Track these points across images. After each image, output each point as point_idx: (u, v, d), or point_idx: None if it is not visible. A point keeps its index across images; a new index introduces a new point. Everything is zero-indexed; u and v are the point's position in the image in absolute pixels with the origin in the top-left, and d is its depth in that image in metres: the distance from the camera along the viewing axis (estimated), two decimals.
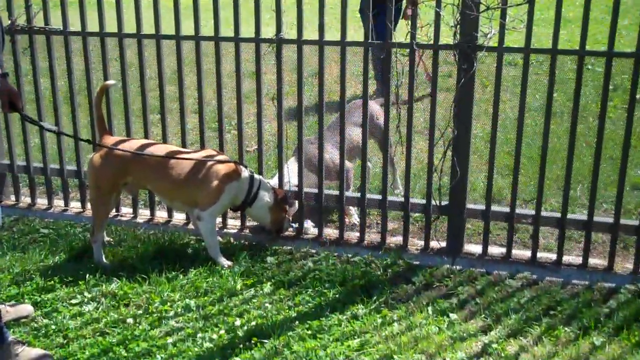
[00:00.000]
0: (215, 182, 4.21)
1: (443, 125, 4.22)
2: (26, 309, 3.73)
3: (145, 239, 4.60)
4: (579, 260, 4.34)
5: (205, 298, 3.90)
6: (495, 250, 4.51)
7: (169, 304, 3.82)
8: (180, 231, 4.71)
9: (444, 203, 4.46)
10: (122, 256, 4.38)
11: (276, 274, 4.17)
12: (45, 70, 5.00)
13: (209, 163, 4.25)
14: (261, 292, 3.98)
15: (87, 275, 4.08)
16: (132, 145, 4.26)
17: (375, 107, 5.27)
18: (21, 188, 5.30)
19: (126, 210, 5.07)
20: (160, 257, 4.34)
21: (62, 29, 4.72)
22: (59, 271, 4.17)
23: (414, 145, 4.49)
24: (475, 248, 4.53)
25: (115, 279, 4.07)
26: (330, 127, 5.21)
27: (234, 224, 4.90)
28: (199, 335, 3.53)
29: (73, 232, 4.71)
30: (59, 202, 5.18)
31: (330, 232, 4.78)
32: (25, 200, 5.26)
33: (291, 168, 4.75)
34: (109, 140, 4.27)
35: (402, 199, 4.53)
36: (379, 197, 4.57)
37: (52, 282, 4.05)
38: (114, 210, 4.96)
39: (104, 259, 4.30)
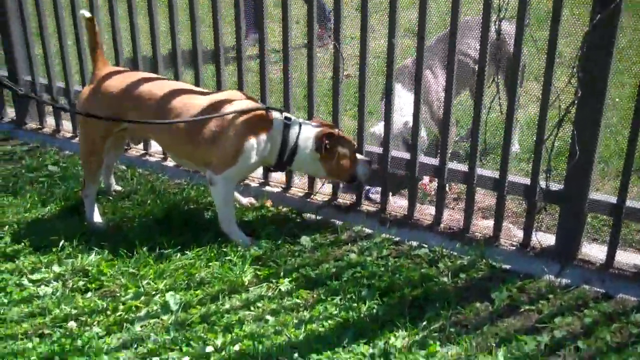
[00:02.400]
0: (232, 138, 3.09)
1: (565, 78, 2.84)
2: None
3: (162, 191, 3.64)
4: None
5: (197, 293, 2.88)
6: (626, 257, 3.13)
7: (144, 297, 2.85)
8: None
9: (556, 187, 3.11)
10: (125, 215, 3.45)
11: (303, 265, 3.06)
12: None
13: (226, 110, 3.14)
14: (273, 291, 2.91)
15: (64, 241, 3.19)
16: (126, 80, 3.20)
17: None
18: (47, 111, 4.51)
19: (155, 149, 4.11)
20: (168, 221, 3.37)
21: None
22: (39, 228, 3.32)
23: (526, 97, 3.16)
24: (597, 252, 3.17)
25: (96, 249, 3.15)
26: (441, 40, 3.87)
27: (280, 179, 3.80)
28: (155, 359, 2.54)
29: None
30: None
31: (402, 204, 3.57)
32: (51, 124, 4.45)
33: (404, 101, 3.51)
34: (104, 70, 3.26)
35: (497, 175, 3.22)
36: (464, 168, 3.29)
37: (22, 244, 3.19)
38: (141, 148, 4.05)
39: (96, 218, 3.39)
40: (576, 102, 2.86)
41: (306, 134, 3.21)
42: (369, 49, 3.30)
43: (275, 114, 3.20)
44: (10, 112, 4.66)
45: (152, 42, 3.79)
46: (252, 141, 3.11)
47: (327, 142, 3.17)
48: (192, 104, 3.13)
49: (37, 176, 3.83)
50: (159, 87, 3.19)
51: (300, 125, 3.22)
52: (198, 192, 3.63)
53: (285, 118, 3.22)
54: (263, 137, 3.15)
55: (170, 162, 3.98)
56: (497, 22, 2.95)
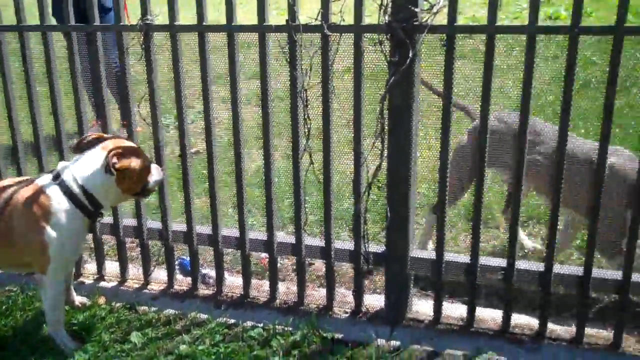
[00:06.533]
0: (28, 226, 2.87)
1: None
2: None
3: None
4: (569, 330, 3.03)
5: None
6: (454, 311, 3.19)
7: None
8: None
9: (379, 249, 3.16)
10: None
11: None
12: None
13: (11, 196, 2.87)
14: None
15: None
16: None
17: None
18: None
19: None
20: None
21: None
22: None
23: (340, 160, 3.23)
24: (428, 308, 3.22)
25: None
26: None
27: (115, 272, 3.68)
28: None
29: None
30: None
31: (239, 283, 3.51)
32: None
33: None
34: None
35: (323, 243, 3.24)
36: (291, 239, 3.28)
37: None
38: None
39: None
40: (382, 164, 2.92)
41: (85, 168, 2.91)
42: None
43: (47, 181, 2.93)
44: None
45: None
46: (49, 229, 2.85)
47: (114, 161, 2.85)
48: None
49: None
50: None
51: (70, 167, 2.93)
52: (26, 298, 3.45)
53: (55, 177, 2.93)
54: (56, 215, 2.86)
55: None
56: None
